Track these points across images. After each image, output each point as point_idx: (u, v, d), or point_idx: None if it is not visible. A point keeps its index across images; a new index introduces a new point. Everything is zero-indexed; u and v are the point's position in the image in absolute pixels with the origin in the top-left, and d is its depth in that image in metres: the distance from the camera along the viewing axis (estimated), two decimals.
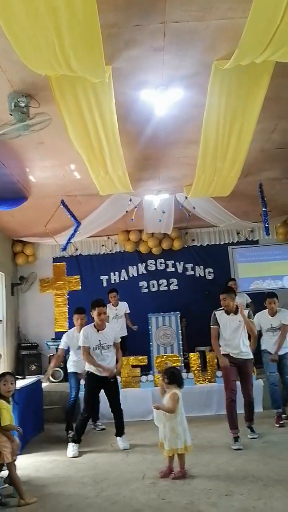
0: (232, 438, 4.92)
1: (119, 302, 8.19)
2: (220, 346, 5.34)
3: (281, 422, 5.64)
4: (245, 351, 5.24)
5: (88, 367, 5.25)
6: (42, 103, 4.07)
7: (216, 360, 6.56)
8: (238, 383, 5.27)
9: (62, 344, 6.13)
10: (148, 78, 3.94)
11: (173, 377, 4.29)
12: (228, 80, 3.88)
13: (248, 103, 4.13)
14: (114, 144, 4.65)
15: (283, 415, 5.79)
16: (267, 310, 6.08)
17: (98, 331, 5.26)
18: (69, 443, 5.15)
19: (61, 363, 7.23)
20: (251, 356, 5.33)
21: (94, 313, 5.25)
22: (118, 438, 5.25)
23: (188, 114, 4.58)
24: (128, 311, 8.26)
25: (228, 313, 5.30)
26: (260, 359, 6.10)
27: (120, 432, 5.27)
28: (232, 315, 5.27)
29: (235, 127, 4.52)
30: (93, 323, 5.35)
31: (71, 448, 5.07)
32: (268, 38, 3.14)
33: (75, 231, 7.41)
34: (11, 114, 4.04)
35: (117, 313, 8.07)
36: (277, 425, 5.60)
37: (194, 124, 4.64)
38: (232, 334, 5.23)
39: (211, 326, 5.37)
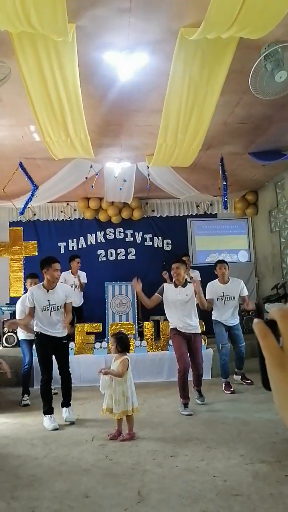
0: (181, 404, 5.10)
1: (78, 271, 8.15)
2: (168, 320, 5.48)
3: (231, 389, 5.89)
4: (194, 325, 5.30)
5: (37, 328, 4.91)
6: (1, 58, 3.87)
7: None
8: None
9: (18, 310, 5.93)
10: (113, 40, 3.82)
11: (124, 345, 4.39)
12: (194, 49, 3.82)
13: (212, 73, 4.09)
14: (76, 106, 4.52)
15: (246, 381, 6.19)
16: (217, 279, 6.18)
17: (47, 291, 4.90)
18: (44, 417, 4.76)
19: (15, 328, 7.18)
20: (199, 330, 5.44)
21: (50, 270, 4.83)
22: (63, 409, 4.95)
23: (153, 82, 4.50)
24: (86, 281, 8.22)
25: (176, 285, 5.32)
26: (211, 328, 6.30)
27: (66, 402, 4.98)
28: (180, 288, 5.29)
29: (198, 98, 4.48)
30: (41, 283, 5.03)
31: (48, 421, 4.70)
32: (233, 16, 3.11)
33: (32, 195, 7.24)
34: None
35: (75, 282, 8.05)
36: (228, 392, 5.85)
37: (158, 93, 4.57)
38: (179, 308, 5.25)
39: (156, 293, 5.42)
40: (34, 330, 5.01)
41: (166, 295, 5.34)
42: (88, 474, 3.41)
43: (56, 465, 3.63)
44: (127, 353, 4.40)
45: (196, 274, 7.98)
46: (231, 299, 6.08)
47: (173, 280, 5.41)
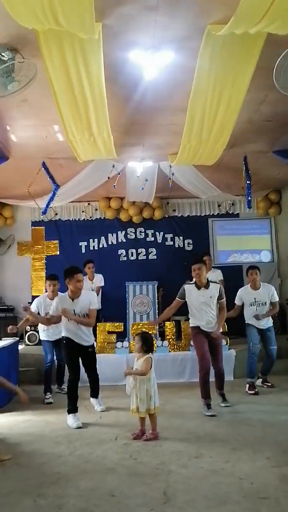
0: (205, 405, 5.05)
1: (95, 274, 8.16)
2: (189, 319, 5.42)
3: (255, 389, 5.85)
4: (215, 324, 5.24)
5: (65, 333, 4.98)
6: (28, 58, 3.90)
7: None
8: None
9: (33, 308, 5.99)
10: (138, 38, 3.81)
11: (149, 344, 4.40)
12: (220, 46, 3.79)
13: (238, 71, 4.05)
14: (100, 105, 4.53)
15: (267, 383, 6.12)
16: (249, 284, 6.16)
17: (73, 300, 4.97)
18: (68, 416, 4.80)
19: (37, 326, 7.24)
20: (220, 329, 5.39)
21: (72, 281, 4.91)
22: (92, 399, 5.32)
23: (178, 80, 4.47)
24: (103, 284, 8.19)
25: (198, 287, 5.22)
26: (243, 330, 6.29)
27: (95, 394, 5.32)
28: (203, 290, 5.19)
29: (224, 96, 4.44)
30: (67, 292, 5.07)
31: (72, 419, 4.73)
32: (265, 9, 3.08)
33: (54, 194, 7.27)
34: None
35: (92, 287, 8.01)
36: (252, 392, 5.82)
37: (183, 91, 4.54)
38: (202, 310, 5.19)
39: (176, 298, 5.36)
40: (62, 335, 5.09)
41: (189, 297, 5.24)
42: (113, 473, 3.40)
43: (80, 463, 3.64)
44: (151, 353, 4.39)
45: (218, 273, 7.89)
46: (262, 304, 6.02)
47: (194, 281, 5.30)
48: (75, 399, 4.85)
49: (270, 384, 6.13)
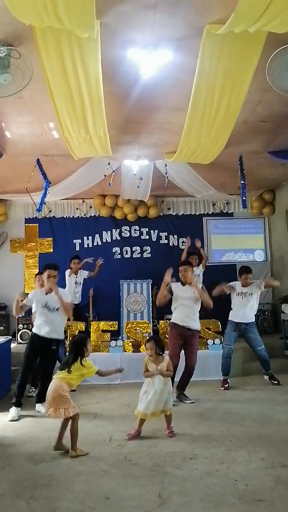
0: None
1: (81, 271, 8.20)
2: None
3: (226, 385, 6.12)
4: (194, 322, 5.57)
5: (34, 328, 5.28)
6: (24, 54, 3.84)
7: None
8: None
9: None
10: (136, 36, 3.77)
11: (163, 346, 4.49)
12: (220, 47, 3.76)
13: (239, 72, 4.03)
14: (97, 103, 4.48)
15: (273, 381, 6.23)
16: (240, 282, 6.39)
17: (46, 293, 5.25)
18: (10, 408, 5.07)
19: (30, 325, 7.19)
20: (198, 328, 5.66)
21: (44, 275, 5.28)
22: (39, 404, 5.21)
23: (175, 79, 4.44)
24: (86, 277, 8.28)
25: (183, 284, 5.66)
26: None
27: (43, 398, 4.96)
28: (187, 286, 5.65)
29: (225, 98, 4.41)
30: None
31: (13, 411, 5.01)
32: (264, 7, 3.06)
33: (45, 191, 7.17)
34: None
35: (76, 280, 8.06)
36: (222, 388, 6.09)
37: (181, 90, 4.52)
38: (184, 304, 5.56)
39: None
40: (33, 331, 5.33)
41: (176, 292, 5.65)
42: (108, 475, 3.39)
43: (75, 465, 3.62)
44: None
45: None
46: (249, 295, 6.28)
47: (180, 280, 5.73)
48: (20, 395, 5.14)
49: (276, 381, 6.20)
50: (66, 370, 3.96)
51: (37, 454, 3.88)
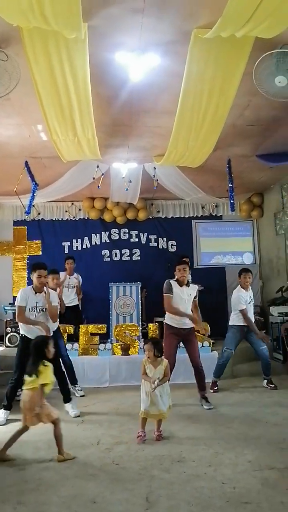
0: None
1: (76, 273, 8.11)
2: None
3: (215, 388, 6.09)
4: (188, 322, 5.44)
5: (23, 331, 5.10)
6: (12, 56, 3.83)
7: None
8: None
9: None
10: (124, 40, 3.78)
11: (161, 349, 4.47)
12: (207, 51, 3.79)
13: (227, 76, 4.05)
14: (85, 106, 4.48)
15: (270, 385, 6.16)
16: (239, 286, 6.28)
17: (35, 293, 5.14)
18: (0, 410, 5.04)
19: (18, 328, 7.13)
20: (193, 325, 5.53)
21: (34, 276, 5.13)
22: (67, 405, 5.23)
23: (164, 83, 4.46)
24: (79, 284, 8.10)
25: (180, 285, 5.45)
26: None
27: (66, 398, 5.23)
28: (184, 287, 5.46)
29: (212, 102, 4.43)
30: (32, 285, 5.22)
31: (1, 414, 4.98)
32: (251, 12, 3.09)
33: (33, 193, 7.14)
34: None
35: (70, 282, 7.99)
36: (211, 391, 6.00)
37: (169, 94, 4.54)
38: (181, 306, 5.41)
39: (166, 294, 5.44)
40: (20, 332, 5.21)
41: (174, 290, 5.44)
42: (95, 479, 3.37)
43: (62, 469, 3.59)
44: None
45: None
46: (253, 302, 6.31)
47: (177, 278, 5.50)
48: (11, 398, 5.03)
49: (273, 385, 6.15)
50: (33, 375, 3.82)
51: (25, 459, 3.85)
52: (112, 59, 4.04)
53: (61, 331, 5.93)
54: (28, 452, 4.01)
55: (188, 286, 5.50)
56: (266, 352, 6.13)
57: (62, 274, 7.90)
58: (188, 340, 5.46)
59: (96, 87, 4.34)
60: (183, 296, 5.43)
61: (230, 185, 6.92)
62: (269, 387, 6.17)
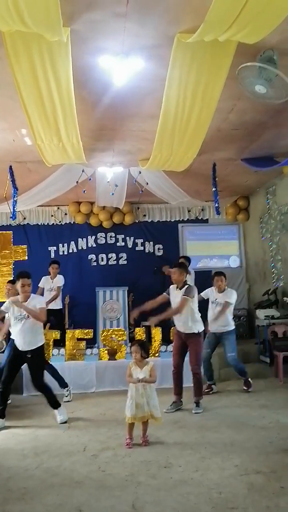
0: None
1: (58, 275, 8.06)
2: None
3: (207, 390, 6.11)
4: (190, 325, 5.44)
5: (12, 335, 5.13)
6: None
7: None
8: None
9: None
10: (108, 44, 3.77)
11: (147, 350, 4.52)
12: (191, 55, 3.79)
13: (210, 80, 4.06)
14: (69, 110, 4.45)
15: (244, 388, 6.19)
16: (214, 287, 6.31)
17: (21, 302, 5.10)
18: None
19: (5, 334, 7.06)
20: (195, 331, 5.48)
21: (18, 285, 5.10)
22: (55, 411, 5.12)
23: (147, 88, 4.45)
24: (62, 284, 8.05)
25: (176, 287, 5.57)
26: None
27: (53, 405, 5.11)
28: (178, 290, 5.54)
29: (196, 106, 4.43)
30: (18, 296, 5.18)
31: None
32: (233, 17, 3.10)
33: (14, 197, 7.05)
34: None
35: (52, 286, 7.96)
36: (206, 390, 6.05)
37: (153, 98, 4.53)
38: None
39: (164, 293, 5.67)
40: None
41: (171, 295, 5.61)
42: (81, 487, 3.33)
43: (47, 477, 3.55)
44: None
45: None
46: (220, 305, 6.19)
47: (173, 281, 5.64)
48: (2, 407, 5.00)
49: (245, 388, 6.16)
50: None
51: (10, 467, 3.79)
52: (95, 63, 4.03)
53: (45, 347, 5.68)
54: (14, 459, 3.96)
55: (181, 289, 5.50)
56: (231, 359, 6.14)
57: (44, 278, 7.91)
58: (188, 344, 5.52)
59: (80, 91, 4.33)
60: (177, 298, 5.49)
61: (214, 189, 6.95)
62: (243, 389, 6.18)
